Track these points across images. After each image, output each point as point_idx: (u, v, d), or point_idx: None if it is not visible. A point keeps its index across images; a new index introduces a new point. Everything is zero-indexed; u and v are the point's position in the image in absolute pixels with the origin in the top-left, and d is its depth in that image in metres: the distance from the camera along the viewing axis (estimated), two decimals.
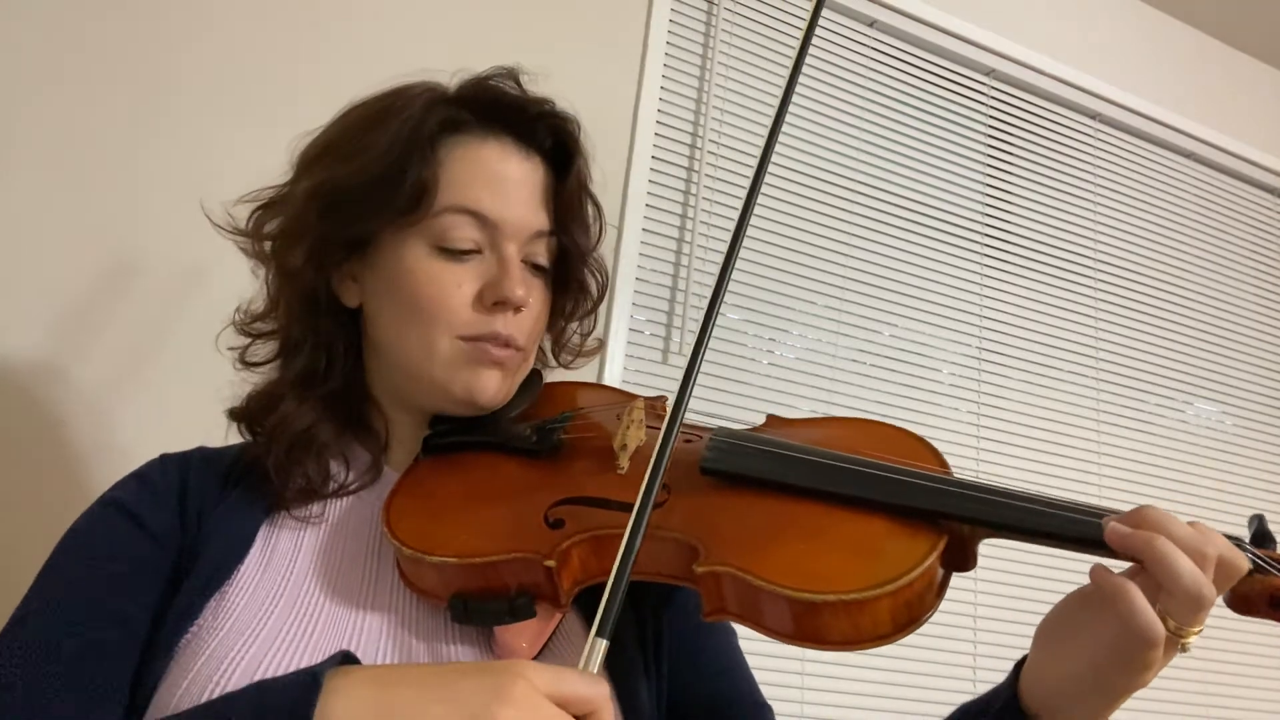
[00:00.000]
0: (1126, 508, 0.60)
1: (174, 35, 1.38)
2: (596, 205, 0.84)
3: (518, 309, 0.74)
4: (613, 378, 1.59)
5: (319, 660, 0.54)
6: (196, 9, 1.40)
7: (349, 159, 0.74)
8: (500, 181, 0.74)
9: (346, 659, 0.53)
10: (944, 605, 0.62)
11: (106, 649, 0.61)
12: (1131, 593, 0.56)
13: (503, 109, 0.76)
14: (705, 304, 1.78)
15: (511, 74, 0.79)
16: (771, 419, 0.80)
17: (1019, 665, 0.65)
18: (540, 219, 0.76)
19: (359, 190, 0.72)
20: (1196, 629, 0.56)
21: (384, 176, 0.71)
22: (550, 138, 0.79)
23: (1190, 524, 0.58)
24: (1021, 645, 0.65)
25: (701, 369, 0.63)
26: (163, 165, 1.33)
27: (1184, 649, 0.57)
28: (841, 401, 1.83)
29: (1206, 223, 2.40)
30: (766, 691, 0.80)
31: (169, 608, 0.64)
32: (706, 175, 1.78)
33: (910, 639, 0.60)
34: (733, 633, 0.83)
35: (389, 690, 0.49)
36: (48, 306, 1.23)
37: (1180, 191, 2.38)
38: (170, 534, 0.68)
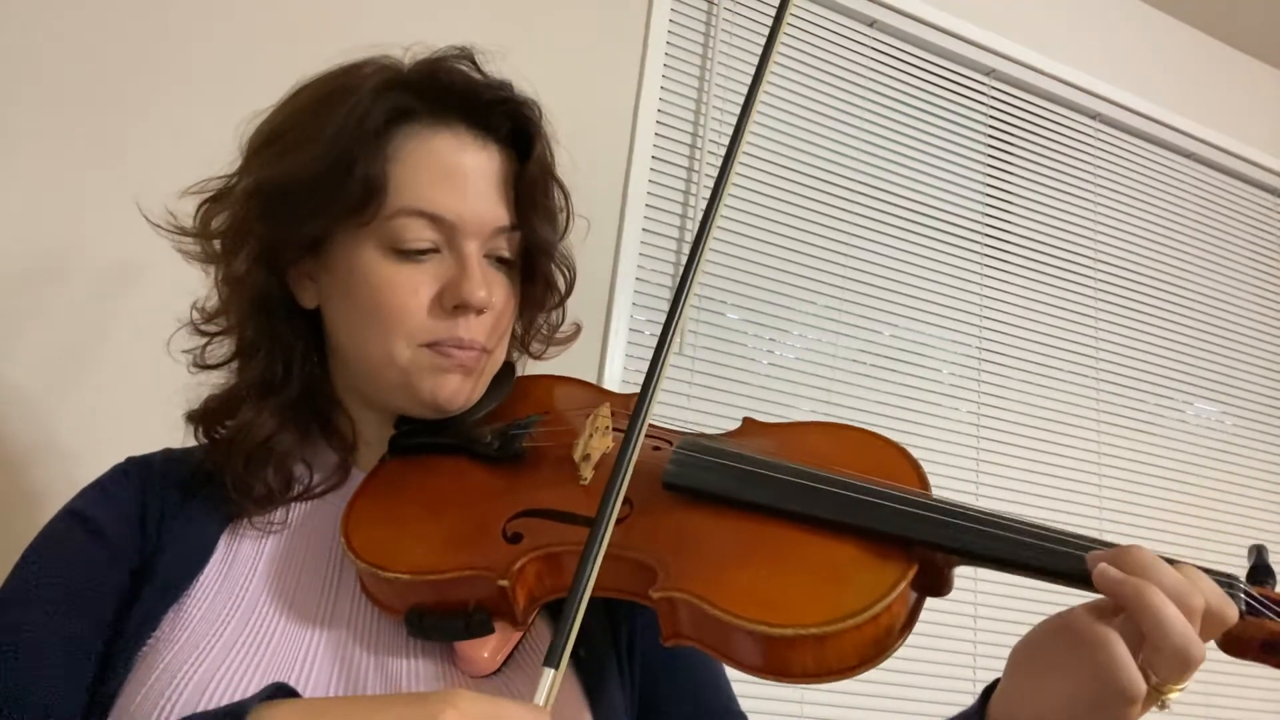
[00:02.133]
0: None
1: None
2: (564, 191, 0.79)
3: (480, 311, 0.70)
4: (613, 377, 1.58)
5: (268, 680, 0.53)
6: None
7: (292, 152, 0.69)
8: (455, 175, 0.69)
9: (280, 690, 0.52)
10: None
11: (55, 671, 0.60)
12: (1114, 645, 0.51)
13: (455, 95, 0.71)
14: (705, 304, 1.77)
15: (465, 54, 0.74)
16: (748, 423, 0.77)
17: (988, 691, 0.61)
18: (500, 213, 0.71)
19: (304, 188, 0.67)
20: (1180, 686, 0.52)
21: (330, 173, 0.66)
22: (508, 123, 0.73)
23: (1178, 566, 0.54)
24: None
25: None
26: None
27: (1163, 705, 0.52)
28: (841, 402, 1.83)
29: (1206, 223, 2.40)
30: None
31: (128, 619, 0.63)
32: (706, 175, 1.78)
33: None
34: None
35: (315, 719, 0.49)
36: None
37: (1180, 191, 2.38)
38: (130, 545, 0.66)
